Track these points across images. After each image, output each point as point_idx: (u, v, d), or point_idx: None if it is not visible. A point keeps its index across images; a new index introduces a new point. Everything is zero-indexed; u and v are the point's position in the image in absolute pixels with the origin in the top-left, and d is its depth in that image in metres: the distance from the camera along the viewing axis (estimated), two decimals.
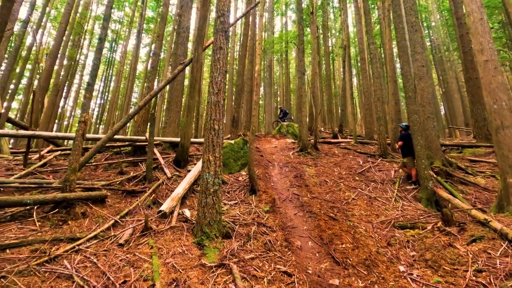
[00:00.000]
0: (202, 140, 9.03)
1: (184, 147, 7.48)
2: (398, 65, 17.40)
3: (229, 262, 3.39)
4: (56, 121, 21.05)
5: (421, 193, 6.44)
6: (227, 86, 24.29)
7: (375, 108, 11.04)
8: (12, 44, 14.73)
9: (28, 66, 21.63)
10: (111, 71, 30.48)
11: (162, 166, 6.85)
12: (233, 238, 4.10)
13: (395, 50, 20.05)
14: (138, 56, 22.47)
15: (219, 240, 3.87)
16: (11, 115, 20.31)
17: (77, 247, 3.26)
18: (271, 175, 8.32)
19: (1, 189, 4.59)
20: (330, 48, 24.72)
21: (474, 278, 3.34)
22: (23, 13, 21.59)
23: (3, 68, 13.01)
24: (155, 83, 11.87)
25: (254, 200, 6.14)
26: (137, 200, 5.19)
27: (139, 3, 24.57)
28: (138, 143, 7.36)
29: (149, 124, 7.20)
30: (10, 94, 16.90)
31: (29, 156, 6.37)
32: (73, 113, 28.62)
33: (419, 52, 8.24)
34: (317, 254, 4.33)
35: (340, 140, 13.32)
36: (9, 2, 6.90)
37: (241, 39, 15.70)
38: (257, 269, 3.45)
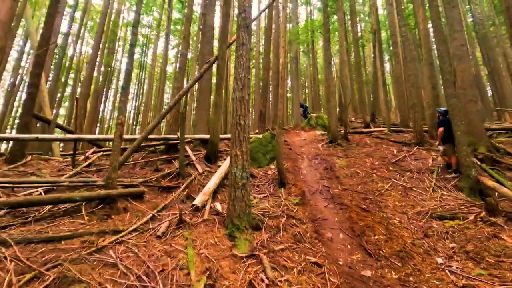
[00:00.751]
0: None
1: (213, 143, 7.71)
2: (434, 47, 16.21)
3: (259, 253, 3.49)
4: (98, 124, 22.69)
5: (462, 182, 6.03)
6: (253, 81, 24.36)
7: (409, 94, 10.43)
8: (57, 56, 16.08)
9: (71, 75, 23.51)
10: (143, 74, 32.05)
11: (193, 162, 7.14)
12: (263, 230, 4.20)
13: (430, 30, 18.65)
14: (167, 57, 23.35)
15: (249, 232, 3.99)
16: (59, 121, 22.26)
17: (120, 239, 3.56)
18: (300, 168, 8.28)
19: (54, 187, 5.12)
20: (359, 34, 23.65)
21: None
22: (64, 26, 23.37)
23: (50, 78, 14.30)
24: (184, 83, 12.30)
25: (283, 193, 6.19)
26: (172, 195, 5.49)
27: (165, 6, 25.43)
28: (171, 142, 7.74)
29: (179, 122, 7.52)
30: (58, 102, 18.53)
31: (76, 158, 7.00)
32: (112, 116, 30.63)
33: (458, 30, 7.61)
34: (348, 246, 4.28)
35: (372, 129, 12.82)
36: (51, 18, 7.56)
37: (265, 33, 15.62)
38: (287, 260, 3.51)
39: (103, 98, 23.05)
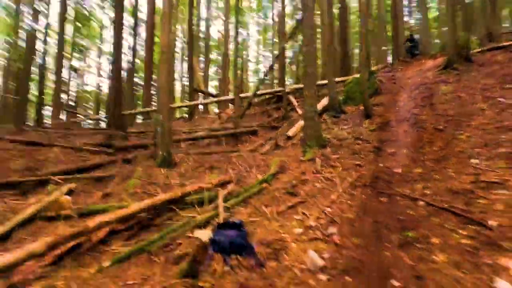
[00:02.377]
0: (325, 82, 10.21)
1: None
2: None
3: (316, 157, 5.26)
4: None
5: None
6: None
7: None
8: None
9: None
10: None
11: (295, 107, 9.11)
12: (328, 147, 5.81)
13: None
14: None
15: (316, 149, 5.72)
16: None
17: (239, 154, 6.23)
18: (397, 100, 8.55)
19: (211, 131, 8.54)
20: None
21: None
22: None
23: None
24: None
25: (366, 123, 7.22)
26: (276, 131, 7.81)
27: None
28: (278, 94, 9.95)
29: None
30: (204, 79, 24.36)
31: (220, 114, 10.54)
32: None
33: None
34: (402, 157, 5.23)
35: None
36: None
37: None
38: (337, 163, 5.10)
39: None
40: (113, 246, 3.02)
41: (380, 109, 8.01)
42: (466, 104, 6.74)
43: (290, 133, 7.02)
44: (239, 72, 11.39)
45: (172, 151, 5.84)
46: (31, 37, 11.56)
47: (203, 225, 3.16)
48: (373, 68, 15.45)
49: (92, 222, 2.92)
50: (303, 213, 3.52)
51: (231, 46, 14.43)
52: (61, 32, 14.48)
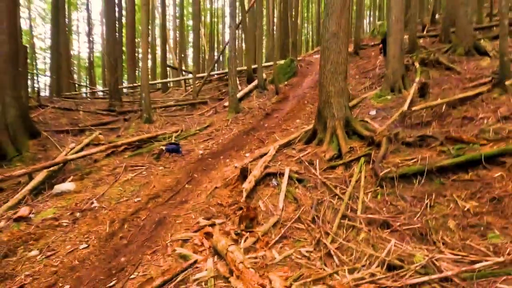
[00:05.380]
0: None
1: (249, 72, 13.49)
2: None
3: (232, 119, 9.72)
4: None
5: None
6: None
7: None
8: None
9: None
10: None
11: (237, 85, 13.35)
12: (241, 113, 10.26)
13: None
14: None
15: (233, 114, 10.14)
16: None
17: (193, 116, 10.62)
18: (303, 82, 12.95)
19: (178, 102, 12.76)
20: None
21: None
22: None
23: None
24: None
25: (273, 98, 11.64)
26: (220, 102, 12.14)
27: None
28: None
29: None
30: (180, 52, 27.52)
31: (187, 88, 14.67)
32: None
33: None
34: (276, 119, 9.75)
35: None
36: None
37: None
38: (239, 121, 9.58)
39: None
40: (127, 152, 7.49)
41: (287, 88, 12.42)
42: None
43: (225, 103, 11.40)
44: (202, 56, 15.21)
45: (152, 114, 10.14)
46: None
47: (164, 144, 7.67)
48: (310, 52, 19.52)
49: (118, 144, 7.37)
50: (209, 140, 8.08)
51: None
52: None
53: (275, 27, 18.82)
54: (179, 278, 2.79)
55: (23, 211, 4.44)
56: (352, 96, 8.99)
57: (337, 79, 5.56)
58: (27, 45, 15.62)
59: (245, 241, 3.28)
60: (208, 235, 3.48)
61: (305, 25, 33.68)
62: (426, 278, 2.58)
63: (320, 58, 5.97)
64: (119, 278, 3.10)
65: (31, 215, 4.43)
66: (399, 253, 3.00)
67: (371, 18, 33.19)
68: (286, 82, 13.29)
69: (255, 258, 2.99)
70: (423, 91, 7.26)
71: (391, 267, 2.85)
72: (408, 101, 6.83)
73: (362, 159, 4.80)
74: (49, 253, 3.60)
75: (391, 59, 8.05)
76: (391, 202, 3.94)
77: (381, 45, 10.60)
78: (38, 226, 4.15)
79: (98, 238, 3.94)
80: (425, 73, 9.30)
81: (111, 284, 3.01)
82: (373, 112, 7.26)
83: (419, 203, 3.79)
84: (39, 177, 5.88)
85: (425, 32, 14.98)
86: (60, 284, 3.11)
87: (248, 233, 3.44)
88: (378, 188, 4.22)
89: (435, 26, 15.83)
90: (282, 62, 14.03)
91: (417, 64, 9.86)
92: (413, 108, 6.44)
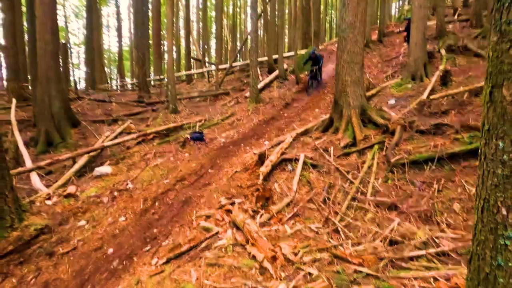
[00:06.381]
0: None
1: (269, 62, 13.68)
2: None
3: (258, 106, 10.07)
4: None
5: None
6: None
7: None
8: None
9: None
10: None
11: (258, 76, 13.63)
12: (261, 103, 10.56)
13: None
14: None
15: (254, 104, 10.47)
16: None
17: (214, 106, 11.10)
18: (324, 71, 12.92)
19: (201, 93, 13.29)
20: None
21: None
22: None
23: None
24: None
25: (294, 88, 11.81)
26: (242, 92, 12.51)
27: None
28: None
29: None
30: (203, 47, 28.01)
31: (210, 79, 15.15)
32: None
33: None
34: (296, 109, 9.96)
35: None
36: None
37: None
38: (260, 111, 9.91)
39: None
40: (155, 140, 8.12)
41: (308, 78, 12.48)
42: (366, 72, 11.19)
43: (247, 94, 11.75)
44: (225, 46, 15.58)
45: (177, 104, 10.74)
46: None
47: (189, 133, 8.22)
48: (333, 40, 19.14)
49: (148, 132, 8.01)
50: (231, 130, 8.51)
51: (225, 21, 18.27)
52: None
53: (297, 17, 18.66)
54: (203, 245, 3.25)
55: (71, 189, 5.14)
56: (372, 85, 8.98)
57: (353, 69, 5.70)
58: (64, 41, 16.84)
59: (260, 217, 3.68)
60: (228, 212, 3.91)
61: (330, 11, 32.87)
62: (423, 252, 2.83)
63: (337, 48, 6.12)
64: (153, 244, 3.63)
65: (77, 193, 5.12)
66: (402, 231, 3.25)
67: (401, 2, 31.67)
68: (307, 72, 13.33)
69: (269, 231, 3.38)
70: (445, 79, 7.15)
71: (393, 243, 3.12)
72: (428, 89, 6.79)
73: (376, 147, 4.98)
74: (94, 223, 4.23)
75: (413, 46, 7.93)
76: (401, 186, 4.14)
77: (405, 33, 10.35)
78: (84, 202, 4.81)
79: (134, 213, 4.52)
80: (451, 60, 9.05)
81: (147, 248, 3.54)
82: (392, 101, 7.28)
83: (428, 187, 3.96)
84: (81, 161, 6.64)
85: (456, 17, 14.27)
86: (105, 248, 3.71)
87: (263, 210, 3.83)
88: (389, 173, 4.41)
89: (467, 10, 14.98)
90: (303, 51, 14.04)
91: (443, 51, 9.58)
92: (433, 97, 6.41)
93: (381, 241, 3.17)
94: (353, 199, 4.03)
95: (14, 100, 8.65)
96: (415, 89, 7.59)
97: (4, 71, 13.82)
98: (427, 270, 2.53)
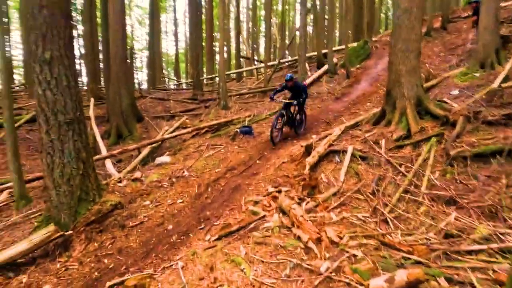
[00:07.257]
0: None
1: (318, 56, 13.47)
2: None
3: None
4: None
5: None
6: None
7: None
8: None
9: None
10: None
11: (307, 71, 13.51)
12: (313, 98, 10.49)
13: None
14: None
15: None
16: None
17: (263, 102, 11.37)
18: (377, 64, 12.26)
19: (250, 90, 13.71)
20: None
21: None
22: None
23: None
24: None
25: (344, 82, 11.46)
26: None
27: None
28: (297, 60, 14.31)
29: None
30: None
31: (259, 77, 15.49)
32: None
33: None
34: (345, 103, 9.67)
35: None
36: None
37: None
38: (307, 106, 9.85)
39: None
40: (208, 134, 8.69)
41: (359, 71, 12.00)
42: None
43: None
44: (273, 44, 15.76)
45: (228, 101, 11.27)
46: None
47: (238, 127, 8.60)
48: (389, 31, 17.85)
49: (201, 127, 8.61)
50: None
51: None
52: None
53: (348, 8, 17.96)
54: (251, 226, 3.47)
55: (137, 174, 5.84)
56: (431, 76, 8.30)
57: (408, 57, 5.38)
58: (130, 47, 18.84)
59: (306, 204, 3.76)
60: (275, 199, 4.07)
61: (386, 0, 30.77)
62: (484, 246, 2.63)
63: (391, 36, 5.83)
64: (206, 224, 3.98)
65: (142, 178, 5.80)
66: (459, 225, 3.04)
67: None
68: (358, 65, 12.80)
69: (315, 217, 3.45)
70: None
71: (448, 236, 2.94)
72: (500, 77, 6.05)
73: (433, 139, 4.66)
74: (156, 204, 4.78)
75: (482, 30, 7.11)
76: (461, 181, 3.84)
77: (474, 17, 9.23)
78: (147, 185, 5.44)
79: (190, 197, 4.97)
80: None
81: (201, 227, 3.91)
82: (455, 92, 6.65)
83: (494, 182, 3.60)
84: (145, 151, 7.47)
85: None
86: (166, 224, 4.19)
87: (309, 198, 3.91)
88: (448, 167, 4.11)
89: None
90: (355, 44, 13.50)
91: None
92: (505, 85, 5.70)
93: (435, 234, 3.02)
94: (405, 192, 3.86)
95: (92, 99, 10.07)
96: (483, 78, 6.80)
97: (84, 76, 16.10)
98: (487, 263, 2.36)
